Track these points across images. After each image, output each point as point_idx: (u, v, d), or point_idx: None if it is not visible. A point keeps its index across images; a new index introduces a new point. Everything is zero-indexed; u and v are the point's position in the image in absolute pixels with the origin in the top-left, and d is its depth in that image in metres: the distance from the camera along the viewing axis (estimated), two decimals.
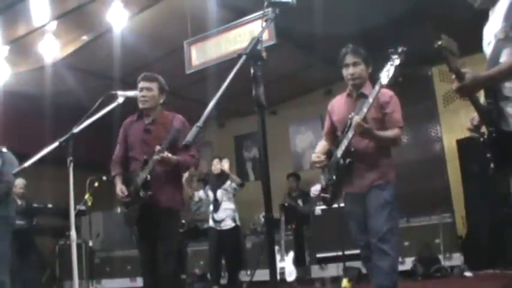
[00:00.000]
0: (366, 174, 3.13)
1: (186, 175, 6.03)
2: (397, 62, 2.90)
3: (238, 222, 6.28)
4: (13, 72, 6.44)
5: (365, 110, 2.95)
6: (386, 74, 2.90)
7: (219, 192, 6.27)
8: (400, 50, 2.93)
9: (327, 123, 3.47)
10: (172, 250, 3.48)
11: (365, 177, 3.13)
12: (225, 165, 6.44)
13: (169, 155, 3.35)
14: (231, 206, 6.32)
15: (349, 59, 3.18)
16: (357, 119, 2.93)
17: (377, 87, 2.93)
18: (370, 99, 2.96)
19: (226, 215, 6.20)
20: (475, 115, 2.33)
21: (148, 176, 3.40)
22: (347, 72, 3.19)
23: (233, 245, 6.24)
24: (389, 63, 2.91)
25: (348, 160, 3.09)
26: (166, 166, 3.43)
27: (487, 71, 2.18)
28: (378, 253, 2.99)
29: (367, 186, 3.12)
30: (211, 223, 6.30)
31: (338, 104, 3.40)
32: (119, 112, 3.52)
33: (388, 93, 3.13)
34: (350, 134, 3.04)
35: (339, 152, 3.13)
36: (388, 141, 3.15)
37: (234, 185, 6.35)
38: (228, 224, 6.20)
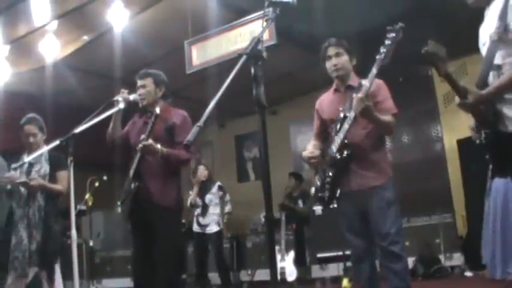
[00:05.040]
0: (362, 170, 2.99)
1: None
2: (395, 39, 2.76)
3: (221, 227, 6.32)
4: (14, 72, 6.45)
5: (368, 84, 2.79)
6: (384, 53, 2.75)
7: (207, 198, 6.30)
8: (398, 26, 2.80)
9: (316, 123, 3.35)
10: (168, 255, 3.32)
11: (362, 174, 2.99)
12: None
13: (153, 143, 3.25)
14: (217, 211, 6.34)
15: (331, 50, 3.13)
16: (359, 95, 2.78)
17: (374, 69, 2.79)
18: (370, 78, 2.81)
19: (211, 220, 6.23)
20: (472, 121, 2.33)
21: (136, 165, 3.35)
22: (330, 64, 3.13)
23: (217, 248, 6.26)
24: (387, 41, 2.78)
25: (345, 152, 2.96)
26: (151, 154, 3.32)
27: (487, 89, 2.18)
28: (389, 256, 2.89)
29: (367, 186, 2.99)
30: (195, 227, 6.33)
31: (326, 101, 3.30)
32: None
33: (376, 81, 2.98)
34: (346, 125, 2.91)
35: (334, 147, 3.00)
36: (385, 126, 2.98)
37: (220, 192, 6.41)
38: (213, 229, 6.22)
